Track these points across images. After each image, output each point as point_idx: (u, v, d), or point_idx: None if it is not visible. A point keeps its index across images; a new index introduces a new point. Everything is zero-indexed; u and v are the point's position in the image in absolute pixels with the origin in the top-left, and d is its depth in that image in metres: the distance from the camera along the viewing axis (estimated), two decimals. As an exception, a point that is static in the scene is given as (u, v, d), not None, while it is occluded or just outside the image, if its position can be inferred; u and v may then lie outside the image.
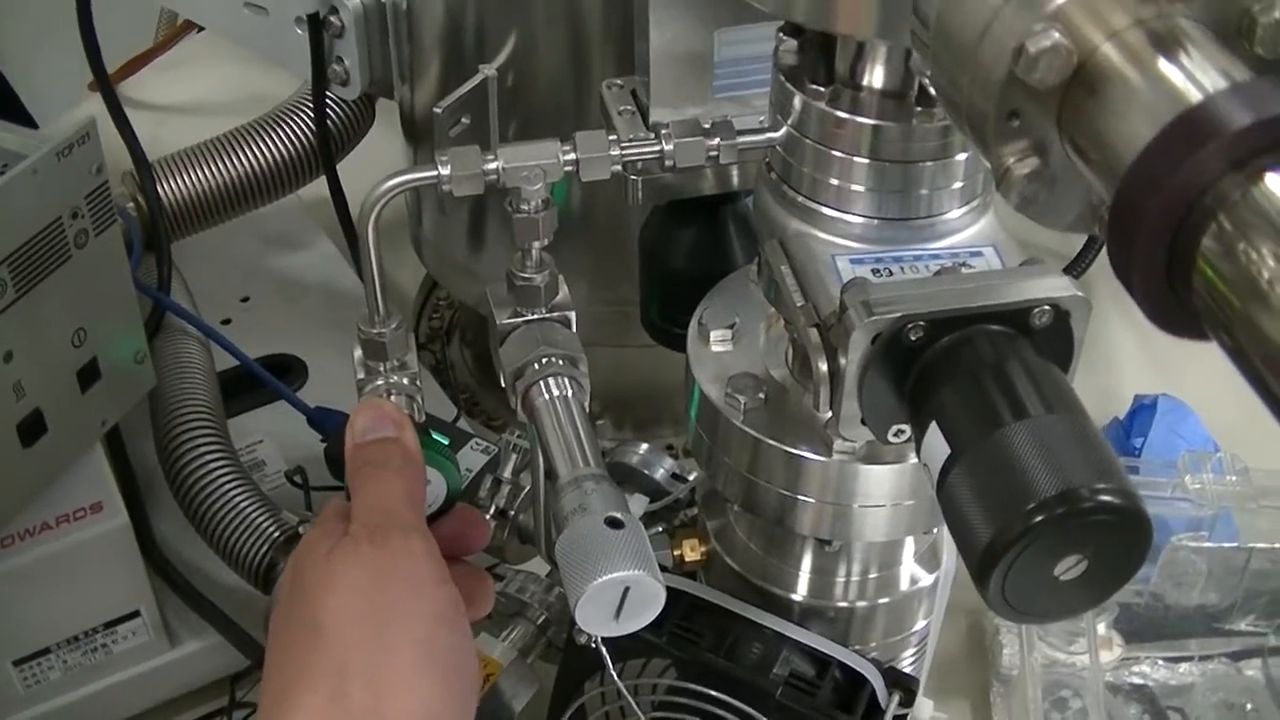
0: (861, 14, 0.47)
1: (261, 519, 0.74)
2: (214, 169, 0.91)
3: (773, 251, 0.54)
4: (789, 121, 0.53)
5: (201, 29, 1.22)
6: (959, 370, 0.45)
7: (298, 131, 0.92)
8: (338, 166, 0.91)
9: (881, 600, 0.62)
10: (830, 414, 0.50)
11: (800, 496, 0.56)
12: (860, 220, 0.53)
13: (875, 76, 0.51)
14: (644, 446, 0.72)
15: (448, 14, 0.80)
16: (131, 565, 0.74)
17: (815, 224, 0.53)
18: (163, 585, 0.78)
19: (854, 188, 0.52)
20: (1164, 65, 0.34)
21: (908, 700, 0.59)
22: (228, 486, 0.75)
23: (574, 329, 0.55)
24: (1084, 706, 0.78)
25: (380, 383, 0.56)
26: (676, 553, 0.65)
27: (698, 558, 0.65)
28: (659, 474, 0.71)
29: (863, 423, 0.49)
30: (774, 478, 0.56)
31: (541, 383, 0.52)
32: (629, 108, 0.62)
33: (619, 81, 0.64)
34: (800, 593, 0.62)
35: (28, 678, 0.74)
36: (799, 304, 0.51)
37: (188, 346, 0.83)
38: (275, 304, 1.01)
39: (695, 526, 0.66)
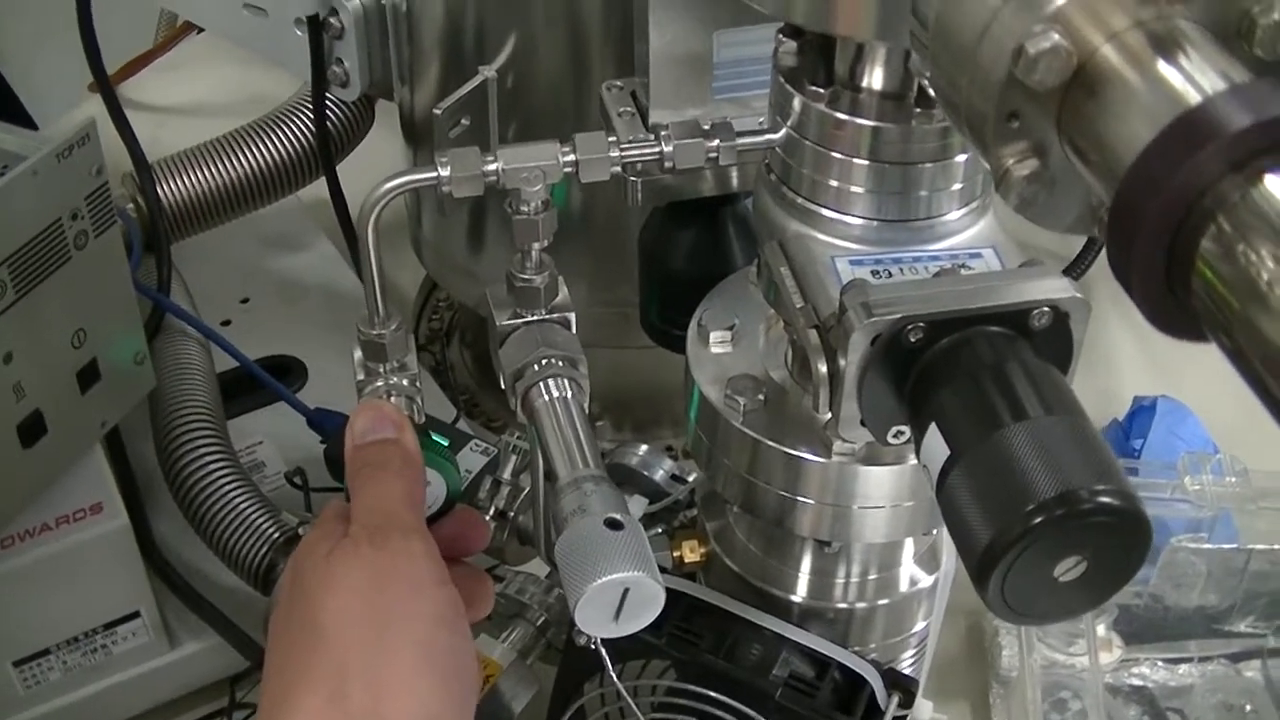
0: (861, 15, 0.47)
1: (261, 520, 0.74)
2: (214, 170, 0.91)
3: (772, 253, 0.54)
4: (788, 123, 0.53)
5: (201, 30, 1.22)
6: (958, 371, 0.45)
7: (297, 133, 0.92)
8: (337, 168, 0.91)
9: (881, 601, 0.62)
10: (830, 415, 0.50)
11: (800, 498, 0.56)
12: (860, 222, 0.53)
13: (874, 78, 0.51)
14: (643, 448, 0.72)
15: (447, 15, 0.80)
16: (131, 566, 0.74)
17: (815, 225, 0.53)
18: (162, 586, 0.78)
19: (853, 189, 0.52)
20: (1163, 67, 0.34)
21: (907, 701, 0.59)
22: (227, 488, 0.75)
23: (574, 330, 0.55)
24: (1083, 708, 0.78)
25: (380, 384, 0.56)
26: (676, 554, 0.65)
27: (697, 559, 0.65)
28: (658, 475, 0.71)
29: (862, 424, 0.49)
30: (773, 479, 0.56)
31: (541, 384, 0.52)
32: (628, 109, 0.62)
33: (619, 83, 0.64)
34: (800, 594, 0.62)
35: (28, 678, 0.74)
36: (798, 305, 0.51)
37: (187, 348, 0.83)
38: (275, 305, 1.01)
39: (695, 528, 0.66)
